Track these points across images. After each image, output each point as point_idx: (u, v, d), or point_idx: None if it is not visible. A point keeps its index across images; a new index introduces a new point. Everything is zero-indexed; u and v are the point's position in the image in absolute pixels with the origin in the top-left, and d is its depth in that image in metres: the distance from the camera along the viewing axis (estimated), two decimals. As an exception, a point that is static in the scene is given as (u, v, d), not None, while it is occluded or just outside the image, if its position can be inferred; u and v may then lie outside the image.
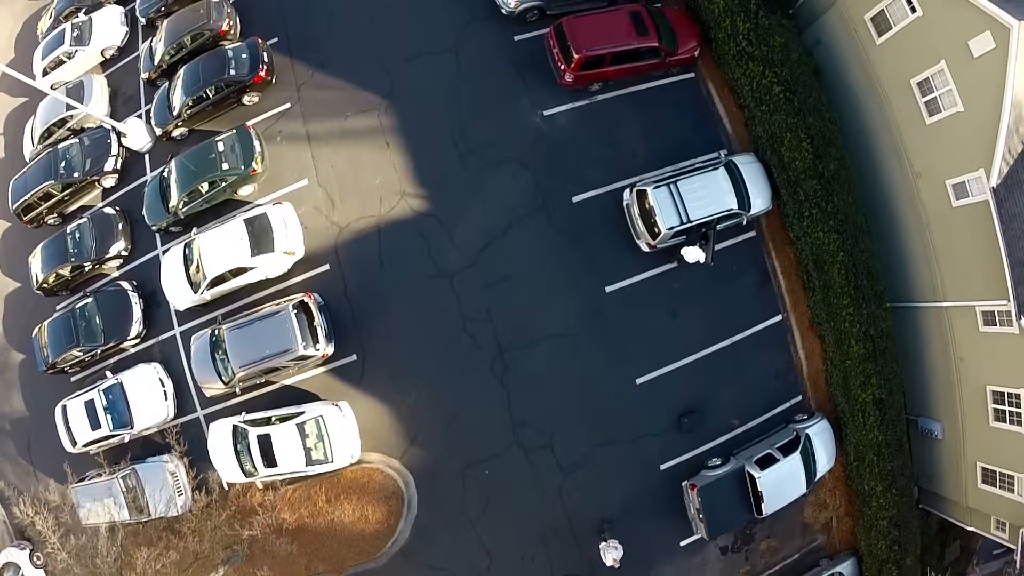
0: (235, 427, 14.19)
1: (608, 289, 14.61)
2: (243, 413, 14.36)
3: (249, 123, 15.30)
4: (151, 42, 16.72)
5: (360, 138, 15.05)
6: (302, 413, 13.98)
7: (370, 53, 15.45)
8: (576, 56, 14.14)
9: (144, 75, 16.89)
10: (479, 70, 15.18)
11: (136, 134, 16.60)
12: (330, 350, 14.25)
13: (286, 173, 15.18)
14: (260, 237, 14.14)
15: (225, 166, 14.72)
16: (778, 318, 14.71)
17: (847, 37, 14.08)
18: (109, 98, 17.40)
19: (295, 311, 13.72)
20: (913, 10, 12.50)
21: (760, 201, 14.32)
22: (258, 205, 14.95)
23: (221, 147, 14.92)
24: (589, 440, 14.35)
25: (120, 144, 16.64)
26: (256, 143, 14.94)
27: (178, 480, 15.18)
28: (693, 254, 13.97)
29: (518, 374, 14.42)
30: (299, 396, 14.77)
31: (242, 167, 14.75)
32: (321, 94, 15.45)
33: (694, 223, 13.83)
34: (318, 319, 13.92)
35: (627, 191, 14.55)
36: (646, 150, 14.96)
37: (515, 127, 14.98)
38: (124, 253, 16.29)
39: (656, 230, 13.82)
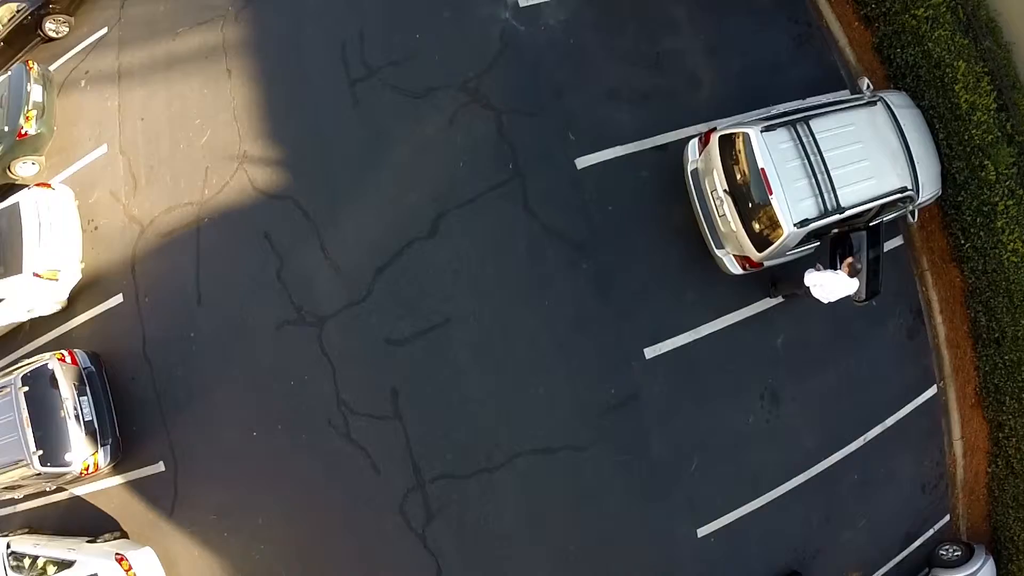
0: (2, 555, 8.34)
1: (650, 352, 7.06)
2: (8, 538, 8.34)
3: (37, 62, 9.31)
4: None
5: (190, 67, 8.50)
6: (72, 564, 7.68)
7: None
8: None
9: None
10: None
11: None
12: (102, 460, 7.66)
13: (85, 136, 8.97)
14: (3, 248, 7.97)
15: (-16, 128, 8.79)
16: (931, 391, 7.84)
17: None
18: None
19: (25, 389, 7.26)
20: None
21: (929, 179, 7.22)
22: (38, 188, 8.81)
23: (-11, 98, 9.03)
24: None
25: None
26: (32, 89, 8.87)
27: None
28: (839, 286, 6.49)
29: (454, 524, 7.06)
30: (93, 516, 8.39)
31: (6, 128, 8.73)
32: (151, 7, 9.13)
33: (846, 214, 6.34)
34: (72, 402, 7.35)
35: (693, 144, 7.12)
36: (712, 78, 7.67)
37: (462, 26, 7.71)
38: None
39: (769, 229, 6.42)
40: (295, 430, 7.26)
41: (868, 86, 7.15)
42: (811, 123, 6.44)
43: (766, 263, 6.70)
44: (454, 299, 7.18)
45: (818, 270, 6.65)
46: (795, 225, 6.19)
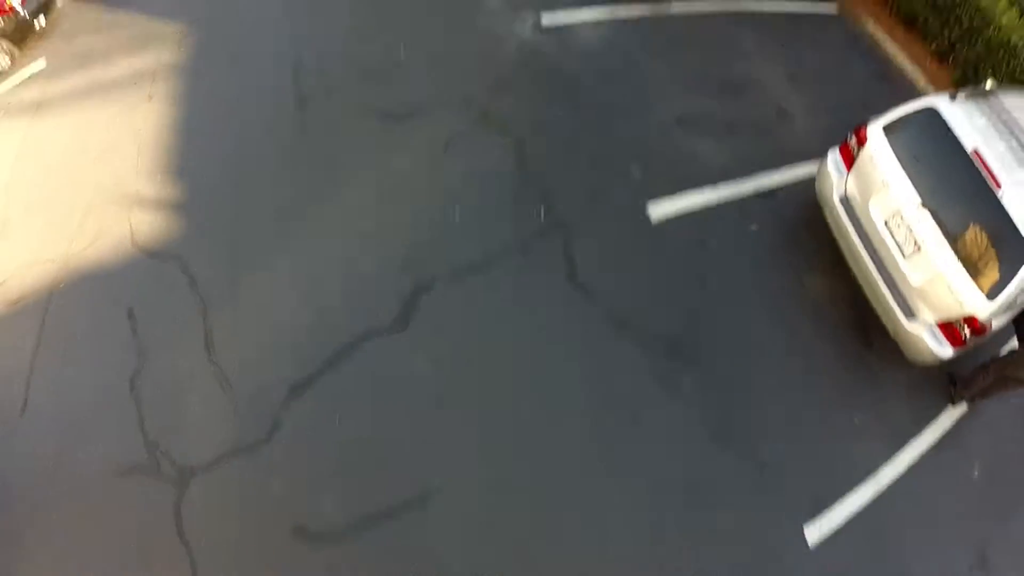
0: None
1: (814, 534, 3.97)
2: None
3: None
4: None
5: (112, 94, 6.43)
6: None
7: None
8: None
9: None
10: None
11: None
12: None
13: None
14: None
15: None
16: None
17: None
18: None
19: None
20: None
21: None
22: None
23: None
24: None
25: None
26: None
27: None
28: None
29: None
30: None
31: None
32: (100, 37, 7.39)
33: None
34: None
35: (833, 160, 4.58)
36: (800, 110, 5.49)
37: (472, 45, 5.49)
38: None
39: (987, 258, 3.82)
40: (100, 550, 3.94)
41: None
42: (1000, 96, 4.12)
43: (994, 324, 3.93)
44: (437, 453, 4.00)
45: None
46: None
